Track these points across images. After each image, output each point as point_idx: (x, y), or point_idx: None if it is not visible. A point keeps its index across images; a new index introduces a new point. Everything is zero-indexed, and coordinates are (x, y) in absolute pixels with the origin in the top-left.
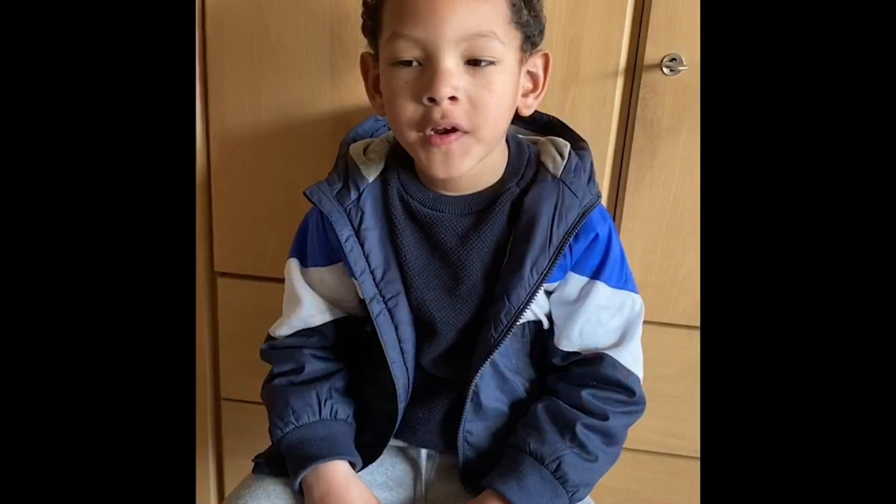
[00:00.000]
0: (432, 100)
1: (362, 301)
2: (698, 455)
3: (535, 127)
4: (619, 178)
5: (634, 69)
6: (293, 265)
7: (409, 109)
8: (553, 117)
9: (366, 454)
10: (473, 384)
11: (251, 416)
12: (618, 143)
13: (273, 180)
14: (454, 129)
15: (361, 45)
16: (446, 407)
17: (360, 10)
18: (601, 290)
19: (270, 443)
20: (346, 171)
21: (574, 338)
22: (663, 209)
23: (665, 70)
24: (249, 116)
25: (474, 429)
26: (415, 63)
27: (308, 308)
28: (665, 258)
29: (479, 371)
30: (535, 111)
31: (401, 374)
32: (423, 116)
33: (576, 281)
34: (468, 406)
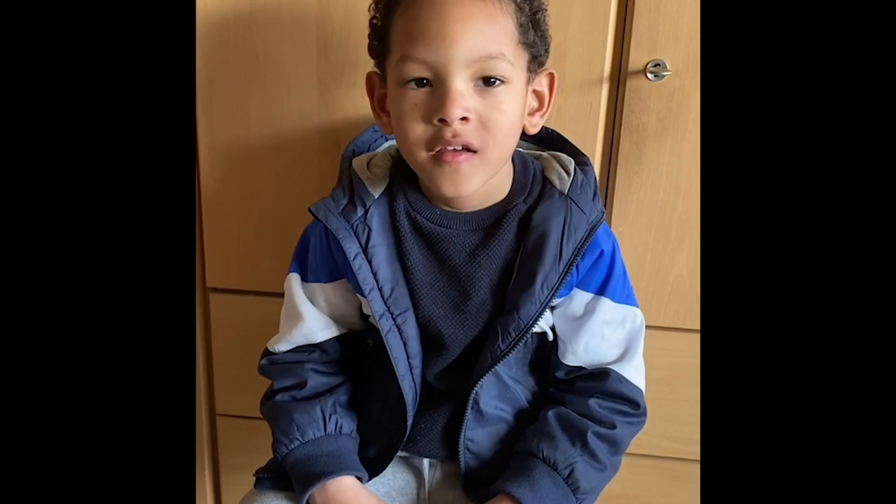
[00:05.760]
0: (443, 121)
1: (364, 316)
2: (695, 458)
3: (535, 140)
4: (608, 184)
5: (619, 76)
6: (294, 280)
7: (419, 130)
8: (553, 131)
9: (370, 468)
10: (474, 392)
11: (247, 432)
12: (604, 149)
13: (263, 195)
14: (465, 149)
15: (348, 59)
16: (448, 416)
17: (345, 24)
18: (606, 305)
19: (268, 457)
20: (350, 187)
21: (580, 353)
22: (651, 213)
23: (649, 76)
24: (238, 133)
25: (475, 436)
26: (425, 84)
27: (310, 324)
28: (655, 262)
29: (481, 381)
30: None
31: (409, 389)
32: (433, 136)
33: (581, 297)
34: (469, 414)
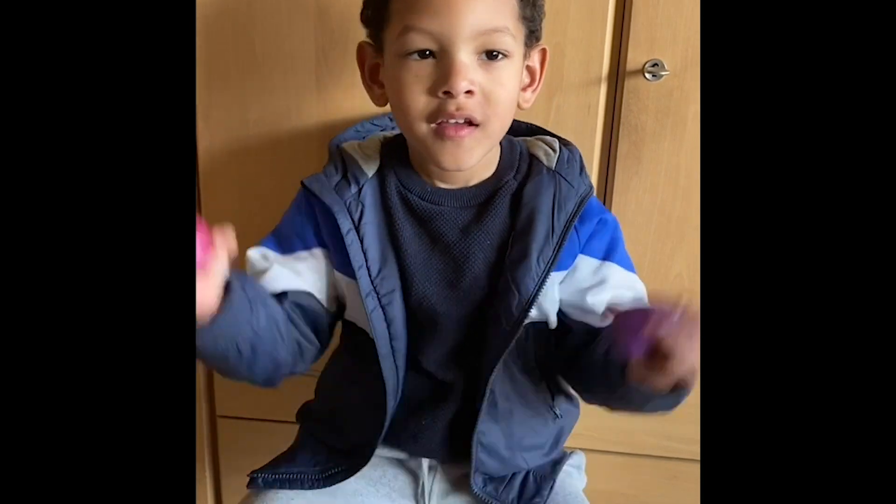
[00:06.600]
0: (448, 93)
1: (335, 298)
2: (694, 457)
3: (515, 135)
4: (606, 184)
5: (617, 75)
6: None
7: (422, 102)
8: (532, 125)
9: (355, 458)
10: (490, 382)
11: (248, 434)
12: (603, 148)
13: (261, 195)
14: (468, 123)
15: (347, 60)
16: (453, 412)
17: (344, 25)
18: (616, 270)
19: (269, 459)
20: (343, 165)
21: (602, 310)
22: (650, 213)
23: (647, 75)
24: (236, 132)
25: (487, 430)
26: (428, 56)
27: (276, 272)
28: (654, 261)
29: (496, 369)
30: (514, 120)
31: (390, 372)
32: (436, 108)
33: (587, 263)
34: (484, 406)
